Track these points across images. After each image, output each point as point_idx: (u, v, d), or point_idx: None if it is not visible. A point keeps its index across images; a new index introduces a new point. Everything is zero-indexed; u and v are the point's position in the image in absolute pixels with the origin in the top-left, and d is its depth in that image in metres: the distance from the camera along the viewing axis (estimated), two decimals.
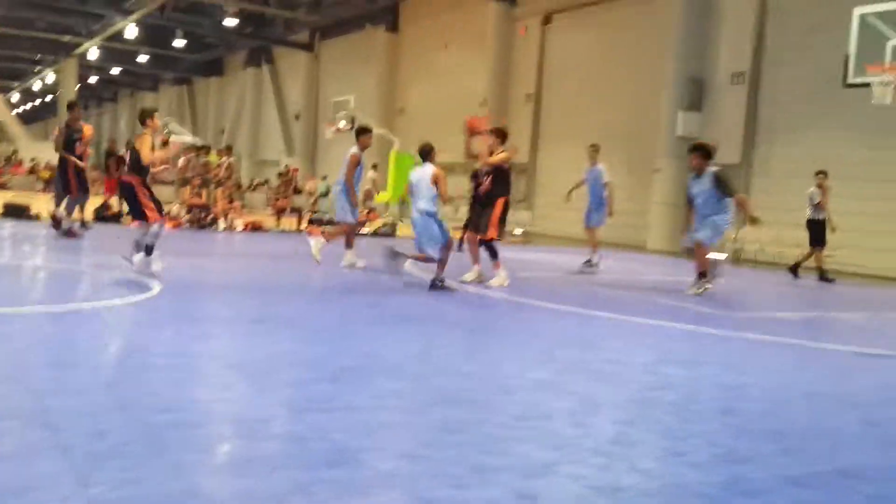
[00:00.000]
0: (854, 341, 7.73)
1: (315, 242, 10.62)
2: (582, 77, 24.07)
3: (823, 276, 14.13)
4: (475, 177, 10.56)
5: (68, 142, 12.55)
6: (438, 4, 29.96)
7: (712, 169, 10.28)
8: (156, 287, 7.68)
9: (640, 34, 22.17)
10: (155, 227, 8.54)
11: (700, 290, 10.23)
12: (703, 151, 10.43)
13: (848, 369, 6.36)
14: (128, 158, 8.77)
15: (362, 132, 11.25)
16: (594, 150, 13.27)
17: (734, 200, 10.34)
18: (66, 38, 42.95)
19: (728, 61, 19.84)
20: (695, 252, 10.46)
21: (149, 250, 8.48)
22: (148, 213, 8.56)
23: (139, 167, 8.64)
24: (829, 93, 16.69)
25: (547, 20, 25.85)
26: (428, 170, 9.24)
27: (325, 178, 33.33)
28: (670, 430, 4.16)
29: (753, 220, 10.41)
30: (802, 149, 17.95)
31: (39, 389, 4.05)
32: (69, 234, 12.53)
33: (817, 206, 14.01)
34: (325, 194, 25.08)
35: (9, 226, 14.46)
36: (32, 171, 33.22)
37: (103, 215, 16.89)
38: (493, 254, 9.97)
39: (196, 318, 6.63)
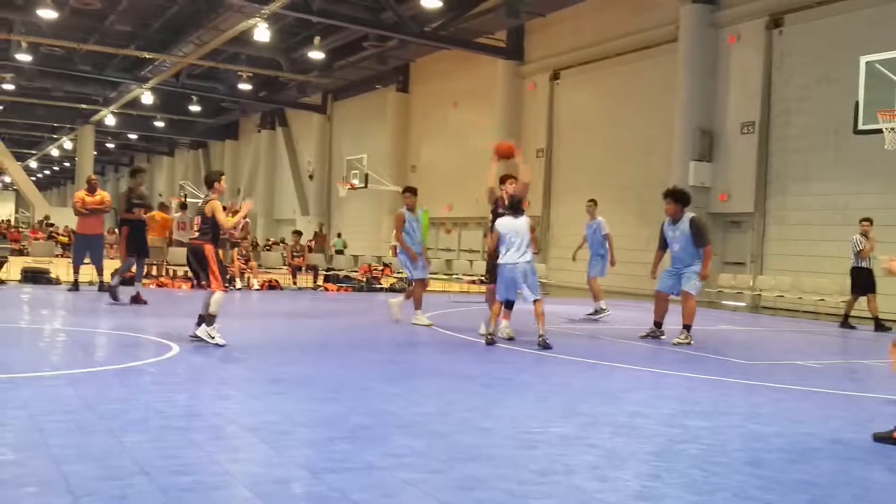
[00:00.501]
0: (877, 388, 7.61)
1: (395, 301, 10.87)
2: (592, 130, 24.28)
3: (879, 324, 13.61)
4: (496, 204, 10.61)
5: (129, 206, 13.05)
6: (448, 64, 30.43)
7: (690, 215, 10.27)
8: (174, 348, 7.68)
9: (648, 87, 22.41)
10: (217, 296, 8.28)
11: (685, 341, 10.09)
12: (677, 197, 10.40)
13: (872, 417, 6.25)
14: (198, 223, 8.50)
15: (406, 192, 11.93)
16: (592, 204, 13.80)
17: (704, 251, 10.17)
18: (84, 105, 43.83)
19: (737, 111, 20.01)
20: (683, 304, 10.30)
21: (210, 320, 8.27)
22: (213, 281, 8.34)
23: (214, 233, 8.44)
24: (839, 140, 16.76)
25: (555, 76, 26.19)
26: (524, 220, 9.70)
27: (339, 235, 33.62)
28: (697, 484, 4.09)
29: (704, 277, 10.23)
30: (816, 196, 17.97)
31: (58, 455, 4.04)
32: (136, 300, 12.51)
33: (859, 254, 13.64)
34: (341, 251, 25.14)
35: (28, 290, 14.58)
36: (51, 236, 33.62)
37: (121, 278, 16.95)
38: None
39: (214, 378, 6.62)
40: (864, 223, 13.68)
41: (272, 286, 18.02)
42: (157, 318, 11.02)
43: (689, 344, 10.07)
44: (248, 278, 18.15)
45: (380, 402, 5.81)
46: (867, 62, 12.19)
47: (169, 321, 10.51)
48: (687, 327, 10.21)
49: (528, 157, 26.86)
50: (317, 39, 28.96)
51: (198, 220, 8.51)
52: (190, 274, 17.69)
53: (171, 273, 18.19)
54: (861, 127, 12.39)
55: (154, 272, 17.99)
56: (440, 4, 23.18)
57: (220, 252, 19.46)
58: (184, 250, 20.14)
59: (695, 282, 10.12)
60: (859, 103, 12.28)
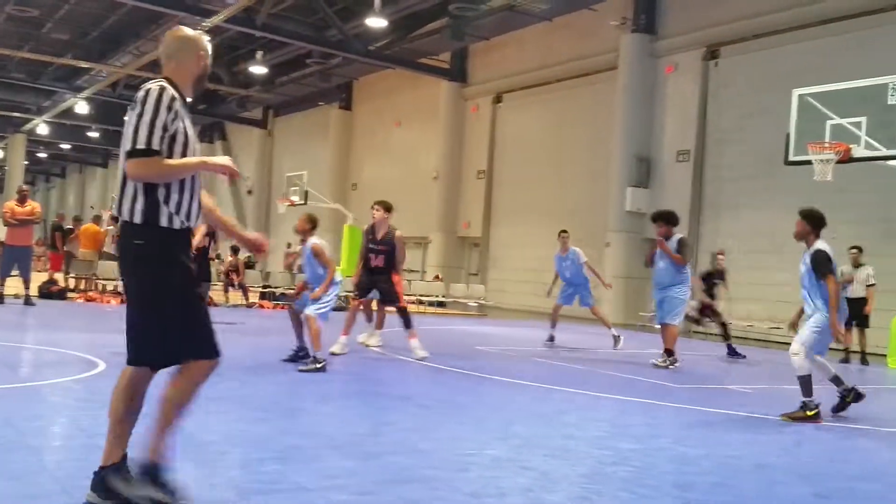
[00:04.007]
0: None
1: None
2: (533, 154, 24.55)
3: (864, 358, 13.41)
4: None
5: None
6: (391, 83, 30.50)
7: (679, 236, 10.85)
8: (101, 365, 7.48)
9: (588, 113, 22.79)
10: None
11: (665, 364, 10.59)
12: (668, 218, 10.99)
13: (798, 441, 6.40)
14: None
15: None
16: (567, 236, 13.57)
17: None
18: (16, 114, 42.66)
19: (673, 140, 20.47)
20: (662, 332, 10.92)
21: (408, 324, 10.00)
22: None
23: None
24: (770, 170, 17.24)
25: (498, 99, 26.47)
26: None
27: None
28: None
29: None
30: (746, 224, 18.45)
31: None
32: None
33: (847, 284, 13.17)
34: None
35: None
36: None
37: (48, 291, 16.50)
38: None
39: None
40: (852, 251, 13.39)
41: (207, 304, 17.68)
42: (84, 334, 10.73)
43: (667, 367, 10.55)
44: None
45: (313, 423, 5.74)
46: (800, 95, 12.57)
47: (97, 336, 10.24)
48: (668, 352, 10.77)
49: (469, 177, 27.11)
50: (259, 54, 28.72)
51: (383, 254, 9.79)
52: (119, 288, 17.35)
53: (100, 287, 17.74)
54: (792, 158, 12.74)
55: (83, 286, 17.53)
56: (385, 24, 23.24)
57: None
58: (114, 264, 19.74)
59: (678, 310, 10.81)
60: (790, 135, 12.64)
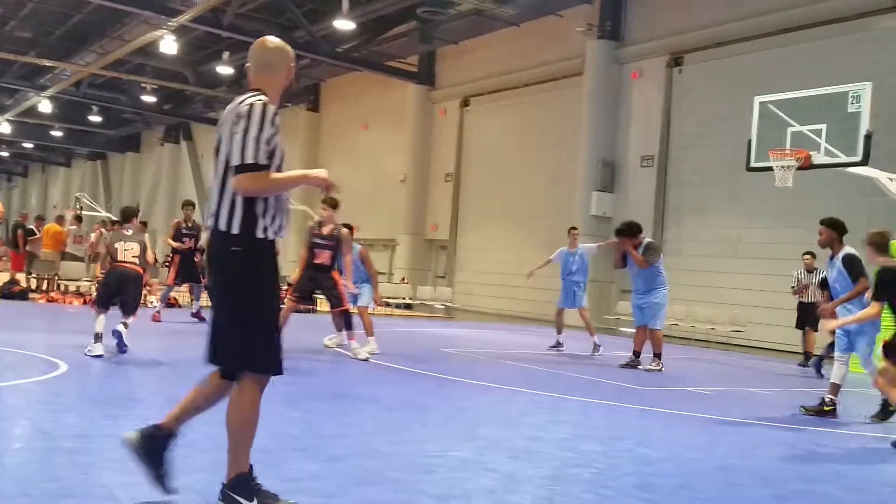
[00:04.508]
0: (762, 414, 7.94)
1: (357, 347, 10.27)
2: (500, 157, 24.67)
3: (809, 359, 13.50)
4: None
5: (179, 235, 14.08)
6: (359, 85, 30.46)
7: (647, 241, 11.18)
8: (62, 366, 7.39)
9: (555, 118, 22.95)
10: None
11: (658, 368, 10.99)
12: (627, 233, 11.44)
13: (758, 443, 6.51)
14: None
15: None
16: (577, 232, 13.89)
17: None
18: None
19: (637, 145, 20.69)
20: (650, 337, 11.24)
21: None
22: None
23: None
24: (733, 176, 17.49)
25: (465, 103, 26.55)
26: None
27: None
28: None
29: None
30: (710, 229, 18.70)
31: None
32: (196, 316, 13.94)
33: (801, 288, 13.65)
34: None
35: None
36: None
37: (10, 291, 16.23)
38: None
39: (104, 398, 6.39)
40: (805, 257, 13.66)
41: (170, 304, 17.53)
42: (45, 335, 10.59)
43: (660, 370, 10.90)
44: (145, 296, 17.59)
45: (279, 425, 5.72)
46: (761, 102, 12.76)
47: (58, 337, 10.11)
48: (657, 355, 11.14)
49: (436, 180, 27.15)
50: (226, 55, 28.51)
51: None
52: (82, 289, 17.13)
53: (62, 288, 17.49)
54: (753, 164, 12.92)
55: (45, 287, 17.28)
56: (353, 26, 23.22)
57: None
58: (77, 264, 19.50)
59: (661, 314, 11.18)
60: (752, 141, 12.83)
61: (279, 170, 3.59)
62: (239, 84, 33.07)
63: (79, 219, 22.80)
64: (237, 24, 24.95)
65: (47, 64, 32.03)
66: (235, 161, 3.46)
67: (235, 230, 3.50)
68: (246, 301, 3.56)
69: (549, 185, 22.74)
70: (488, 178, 25.21)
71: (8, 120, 42.64)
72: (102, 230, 19.47)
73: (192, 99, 38.01)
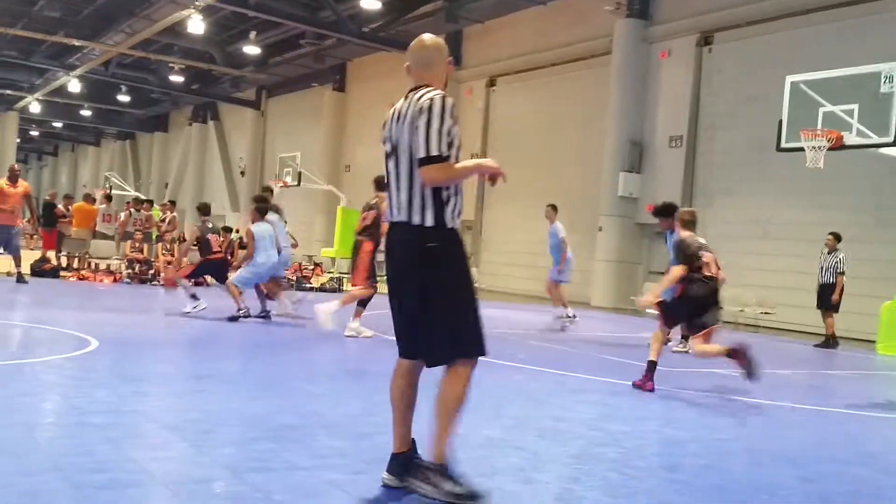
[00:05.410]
0: (790, 397, 7.88)
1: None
2: (526, 138, 24.53)
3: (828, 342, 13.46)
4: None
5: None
6: (385, 65, 30.37)
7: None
8: (93, 343, 7.49)
9: (582, 98, 22.76)
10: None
11: (685, 350, 10.73)
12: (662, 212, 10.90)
13: (785, 425, 6.47)
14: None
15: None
16: (552, 209, 13.82)
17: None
18: (8, 91, 42.38)
19: (666, 125, 20.46)
20: None
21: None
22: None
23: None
24: (763, 156, 17.28)
25: (492, 83, 26.38)
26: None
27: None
28: (614, 487, 4.18)
29: None
30: (739, 210, 18.49)
31: None
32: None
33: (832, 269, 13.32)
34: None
35: None
36: None
37: (41, 269, 16.45)
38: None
39: (134, 375, 6.48)
40: (828, 237, 13.42)
41: (198, 283, 17.67)
42: (77, 312, 10.73)
43: (688, 352, 10.52)
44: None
45: (305, 402, 5.78)
46: (792, 82, 12.59)
47: (89, 315, 10.25)
48: (685, 337, 10.75)
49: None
50: (253, 34, 28.58)
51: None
52: (112, 267, 17.32)
53: (93, 266, 17.71)
54: (784, 145, 12.77)
55: (76, 265, 17.50)
56: (379, 6, 23.16)
57: (146, 247, 19.15)
58: (107, 242, 19.73)
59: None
60: (783, 122, 12.66)
61: (456, 159, 3.71)
62: (266, 64, 33.15)
63: (108, 198, 23.05)
64: (264, 3, 24.98)
65: (76, 43, 32.28)
66: (421, 154, 3.59)
67: (429, 222, 3.62)
68: (454, 290, 3.64)
69: (576, 166, 22.60)
70: (514, 159, 25.02)
71: (38, 99, 43.08)
72: (132, 210, 19.70)
73: (220, 79, 38.16)
